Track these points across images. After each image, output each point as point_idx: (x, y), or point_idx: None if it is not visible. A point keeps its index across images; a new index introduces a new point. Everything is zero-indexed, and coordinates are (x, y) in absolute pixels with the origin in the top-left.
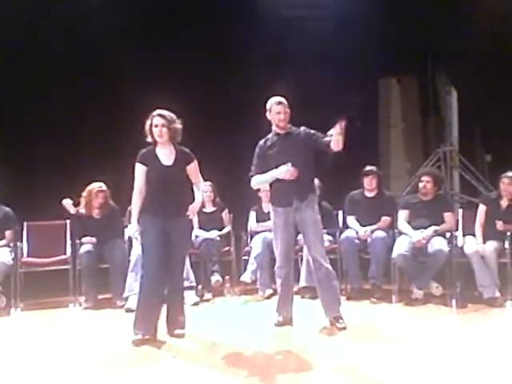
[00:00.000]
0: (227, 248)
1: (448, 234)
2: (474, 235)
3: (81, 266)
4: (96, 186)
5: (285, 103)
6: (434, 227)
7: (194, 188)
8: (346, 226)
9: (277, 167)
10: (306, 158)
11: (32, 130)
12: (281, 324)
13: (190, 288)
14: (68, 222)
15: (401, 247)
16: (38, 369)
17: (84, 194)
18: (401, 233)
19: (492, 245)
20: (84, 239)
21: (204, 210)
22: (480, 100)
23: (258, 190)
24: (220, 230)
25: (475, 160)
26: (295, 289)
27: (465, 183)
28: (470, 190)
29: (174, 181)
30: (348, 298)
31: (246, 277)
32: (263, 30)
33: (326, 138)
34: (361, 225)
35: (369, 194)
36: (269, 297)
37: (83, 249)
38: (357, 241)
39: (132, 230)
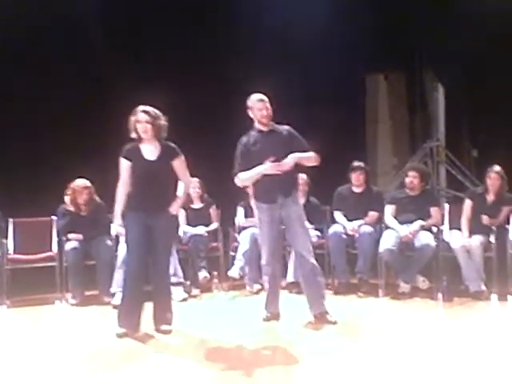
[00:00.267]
0: (215, 244)
1: (434, 229)
2: (460, 230)
3: (67, 262)
4: (80, 182)
5: (266, 100)
6: (421, 222)
7: (179, 184)
8: (333, 222)
9: (260, 164)
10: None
11: (17, 127)
12: (269, 319)
13: (178, 284)
14: (54, 218)
15: (387, 242)
16: (25, 365)
17: (68, 191)
18: (388, 227)
19: (478, 239)
20: (70, 236)
21: (192, 206)
22: (467, 95)
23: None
24: (208, 226)
25: (461, 155)
26: (283, 284)
27: (451, 178)
28: (457, 185)
29: (157, 176)
30: (335, 293)
31: (234, 272)
32: (251, 29)
33: (305, 154)
34: (348, 220)
35: (356, 190)
36: (257, 292)
37: (69, 245)
38: (344, 236)
39: (115, 225)
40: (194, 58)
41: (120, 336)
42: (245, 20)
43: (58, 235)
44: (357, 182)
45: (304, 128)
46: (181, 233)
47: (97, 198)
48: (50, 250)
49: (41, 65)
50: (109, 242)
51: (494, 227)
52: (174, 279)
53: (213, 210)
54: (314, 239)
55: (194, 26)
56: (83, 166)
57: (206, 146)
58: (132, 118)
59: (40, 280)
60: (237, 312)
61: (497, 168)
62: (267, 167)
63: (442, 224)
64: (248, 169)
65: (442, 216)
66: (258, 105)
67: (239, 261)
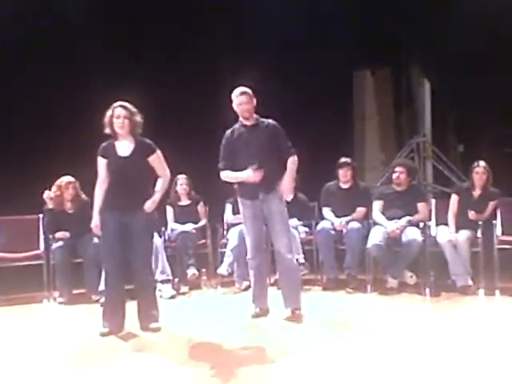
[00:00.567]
0: (203, 241)
1: (421, 224)
2: (447, 225)
3: (54, 260)
4: (65, 178)
5: (249, 93)
6: (408, 217)
7: (158, 181)
8: (321, 218)
9: (244, 159)
10: (273, 150)
11: (2, 124)
12: (257, 315)
13: (167, 281)
14: (40, 216)
15: (375, 237)
16: (12, 364)
17: (54, 188)
18: (375, 223)
19: (464, 234)
20: (57, 234)
21: (179, 203)
22: (453, 91)
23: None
24: (196, 223)
25: (448, 151)
26: (272, 280)
27: (438, 173)
28: (443, 180)
29: (131, 173)
30: (324, 289)
31: (223, 269)
32: (237, 23)
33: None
34: (336, 216)
35: (344, 186)
36: (246, 289)
37: (56, 244)
38: (332, 232)
39: (92, 224)
40: (181, 57)
41: (104, 335)
42: (245, 16)
43: (45, 233)
44: (344, 178)
45: (292, 124)
46: (169, 230)
47: (83, 195)
48: (37, 249)
49: (34, 64)
50: (96, 240)
51: (480, 222)
52: (162, 277)
53: (200, 207)
54: (303, 235)
55: (191, 24)
56: (69, 164)
57: (193, 143)
58: (108, 113)
59: (27, 278)
60: (226, 309)
61: (482, 163)
62: (249, 176)
63: (429, 219)
64: (232, 162)
65: (429, 211)
66: (239, 99)
67: (228, 258)
